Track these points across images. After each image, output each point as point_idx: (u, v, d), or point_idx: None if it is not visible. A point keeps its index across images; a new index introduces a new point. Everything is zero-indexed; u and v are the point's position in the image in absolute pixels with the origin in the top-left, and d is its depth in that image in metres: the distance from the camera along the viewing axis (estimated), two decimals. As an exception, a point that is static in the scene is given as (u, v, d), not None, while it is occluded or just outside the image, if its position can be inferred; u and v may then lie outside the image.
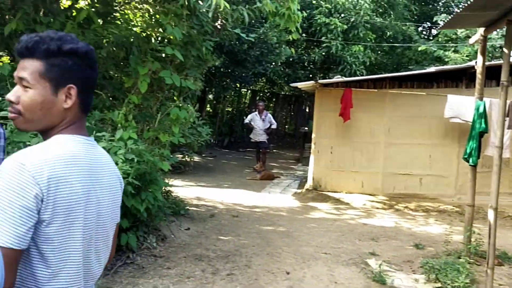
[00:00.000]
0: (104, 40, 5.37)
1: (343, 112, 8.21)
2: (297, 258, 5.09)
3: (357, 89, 8.29)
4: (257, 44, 11.95)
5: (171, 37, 5.36)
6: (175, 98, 6.02)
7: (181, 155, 10.70)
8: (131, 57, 5.13)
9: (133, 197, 4.47)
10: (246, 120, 11.66)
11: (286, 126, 22.37)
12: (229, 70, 13.33)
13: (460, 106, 7.53)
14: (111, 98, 5.58)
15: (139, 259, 4.56)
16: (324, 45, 15.17)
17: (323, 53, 15.49)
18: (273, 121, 11.57)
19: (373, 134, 8.65)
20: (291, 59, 16.18)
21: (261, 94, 20.99)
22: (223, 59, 11.90)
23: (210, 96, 17.64)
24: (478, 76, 4.95)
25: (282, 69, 16.09)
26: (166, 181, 6.00)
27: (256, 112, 11.56)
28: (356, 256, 5.29)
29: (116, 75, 5.60)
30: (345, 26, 15.18)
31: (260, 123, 11.30)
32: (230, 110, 19.56)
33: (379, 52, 18.61)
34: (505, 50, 4.20)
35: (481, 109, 4.78)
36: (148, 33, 5.50)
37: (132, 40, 5.17)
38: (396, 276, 4.64)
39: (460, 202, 7.96)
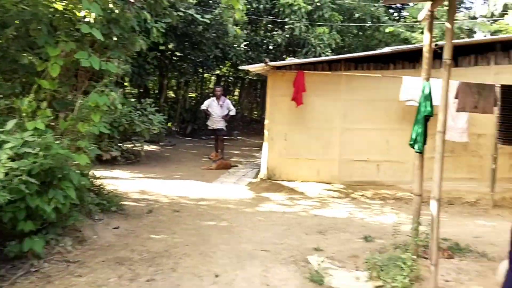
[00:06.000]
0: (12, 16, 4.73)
1: (296, 97, 7.76)
2: (232, 257, 4.64)
3: (310, 72, 7.83)
4: (213, 26, 11.33)
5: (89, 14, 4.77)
6: (101, 82, 5.41)
7: (131, 145, 10.10)
8: (40, 36, 4.53)
9: (38, 196, 3.93)
10: (203, 106, 11.11)
11: (254, 112, 21.89)
12: (186, 54, 12.66)
13: (415, 88, 7.15)
14: (23, 84, 4.96)
15: (47, 266, 4.03)
16: (288, 26, 14.66)
17: (287, 35, 14.98)
18: (232, 107, 11.07)
19: (328, 119, 8.25)
20: (254, 42, 15.60)
21: (225, 79, 20.36)
22: (178, 42, 11.24)
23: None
24: (425, 55, 4.53)
25: (245, 52, 15.50)
26: (93, 174, 5.45)
27: (214, 98, 11.03)
28: (298, 252, 4.87)
29: (30, 57, 4.96)
30: (310, 7, 14.69)
31: (217, 109, 10.78)
32: (193, 96, 18.90)
33: (348, 34, 18.19)
34: (447, 25, 3.79)
35: (426, 91, 4.37)
36: (62, 8, 4.87)
37: (40, 15, 4.54)
38: (336, 274, 4.25)
39: (424, 190, 7.65)
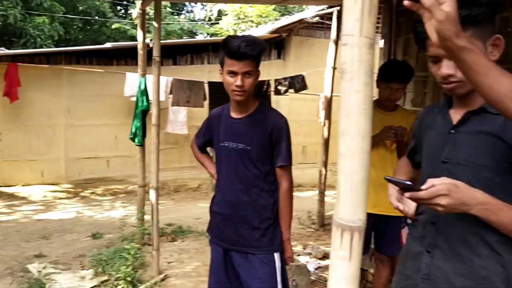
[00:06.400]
0: None
1: (9, 92, 6.94)
2: None
3: (24, 64, 7.12)
4: None
5: None
6: None
7: None
8: None
9: None
10: None
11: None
12: None
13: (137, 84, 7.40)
14: None
15: None
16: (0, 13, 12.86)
17: (-1, 23, 13.15)
18: None
19: (51, 116, 7.70)
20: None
21: None
22: None
23: None
24: (140, 52, 4.74)
25: None
26: None
27: None
28: (15, 263, 4.40)
29: None
30: (27, -6, 13.28)
31: None
32: None
33: (74, 27, 17.26)
34: (155, 24, 4.06)
35: (142, 87, 4.60)
36: None
37: None
38: (60, 278, 4.04)
39: (148, 181, 7.97)
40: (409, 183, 1.20)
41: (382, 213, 2.87)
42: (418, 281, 1.34)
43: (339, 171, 1.07)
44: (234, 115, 2.25)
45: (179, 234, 5.40)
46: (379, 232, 3.04)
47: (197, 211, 6.59)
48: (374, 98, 3.06)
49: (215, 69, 8.45)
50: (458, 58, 1.02)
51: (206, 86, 6.46)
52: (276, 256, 2.22)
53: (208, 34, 18.31)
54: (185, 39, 13.49)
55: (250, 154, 2.18)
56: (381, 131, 2.86)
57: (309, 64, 8.18)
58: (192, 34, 18.52)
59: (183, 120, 7.69)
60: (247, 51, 2.03)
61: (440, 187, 1.12)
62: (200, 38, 18.35)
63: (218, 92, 6.03)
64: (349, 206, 1.06)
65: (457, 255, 1.26)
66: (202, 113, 7.86)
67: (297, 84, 6.69)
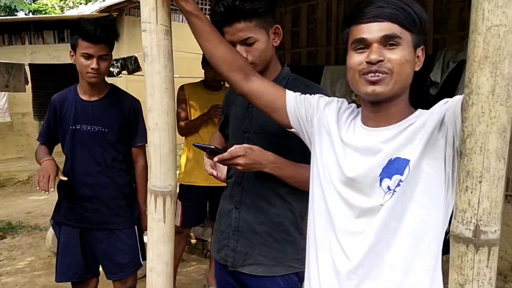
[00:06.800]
0: None
1: None
2: None
3: None
4: None
5: None
6: None
7: None
8: None
9: None
10: None
11: None
12: None
13: None
14: None
15: None
16: None
17: None
18: None
19: None
20: None
21: None
22: None
23: None
24: None
25: None
26: None
27: None
28: None
29: None
30: None
31: None
32: None
33: None
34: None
35: None
36: None
37: None
38: None
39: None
40: (213, 147, 1.41)
41: (214, 185, 3.11)
42: (230, 234, 1.57)
43: (149, 144, 1.21)
44: (85, 97, 2.24)
45: (9, 230, 4.98)
46: (213, 203, 3.29)
47: (28, 205, 6.12)
48: (201, 79, 3.27)
49: (39, 50, 7.87)
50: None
51: (28, 69, 5.91)
52: (136, 228, 2.37)
53: (30, 11, 16.53)
54: (2, 17, 11.97)
55: (107, 136, 2.22)
56: (208, 109, 3.08)
57: (144, 45, 8.06)
58: (11, 11, 16.49)
59: (4, 107, 6.93)
60: (104, 35, 2.08)
61: (238, 149, 1.34)
62: (21, 15, 16.45)
63: (42, 74, 5.58)
64: (159, 174, 1.21)
65: (258, 208, 1.52)
66: (27, 98, 7.21)
67: (130, 65, 6.54)
